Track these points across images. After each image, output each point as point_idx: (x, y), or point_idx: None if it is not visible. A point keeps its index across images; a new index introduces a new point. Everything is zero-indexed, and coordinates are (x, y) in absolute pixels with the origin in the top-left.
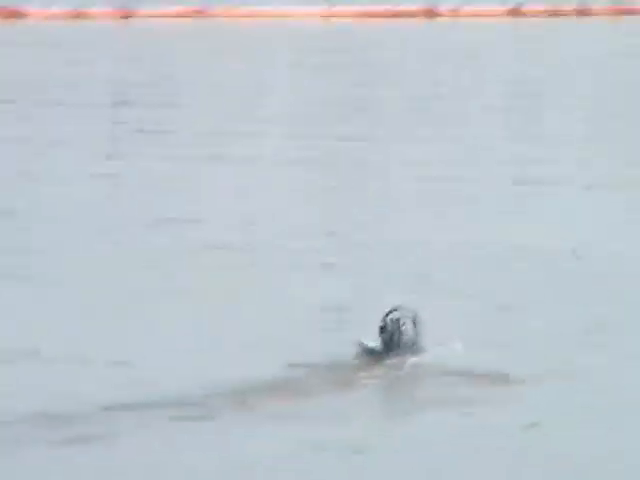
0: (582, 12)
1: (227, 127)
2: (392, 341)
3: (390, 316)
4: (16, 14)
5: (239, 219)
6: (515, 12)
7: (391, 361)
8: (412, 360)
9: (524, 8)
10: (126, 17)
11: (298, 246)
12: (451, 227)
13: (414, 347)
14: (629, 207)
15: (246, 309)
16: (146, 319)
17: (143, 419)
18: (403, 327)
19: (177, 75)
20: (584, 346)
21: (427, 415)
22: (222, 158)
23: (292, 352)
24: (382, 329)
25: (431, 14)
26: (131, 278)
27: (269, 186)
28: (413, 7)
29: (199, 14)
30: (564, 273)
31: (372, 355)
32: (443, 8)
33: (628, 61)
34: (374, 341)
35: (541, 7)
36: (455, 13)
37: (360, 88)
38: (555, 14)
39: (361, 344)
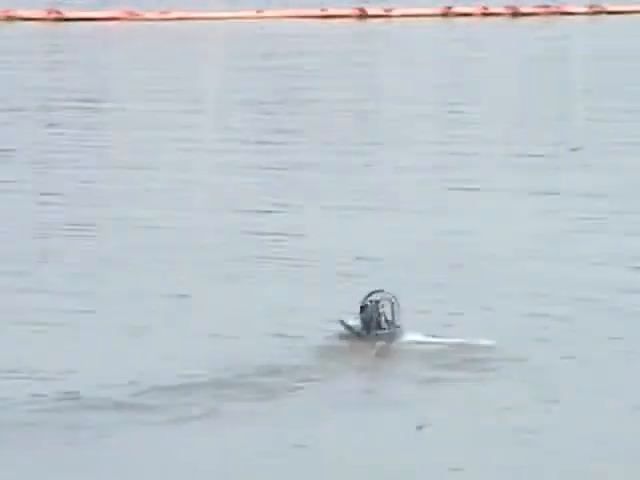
0: (515, 13)
1: (157, 134)
2: (371, 321)
3: (370, 298)
4: None
5: (167, 223)
6: (448, 13)
7: (368, 342)
8: (388, 341)
9: (456, 9)
10: (58, 20)
11: (243, 252)
12: (386, 229)
13: (391, 328)
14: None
15: (200, 313)
16: (108, 321)
17: (113, 422)
18: (382, 309)
19: (109, 79)
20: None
21: (396, 413)
22: (150, 166)
23: (257, 354)
24: (362, 309)
25: (363, 16)
26: (72, 281)
27: (200, 192)
28: (345, 9)
29: (131, 17)
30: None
31: (351, 332)
32: (375, 10)
33: (557, 63)
34: (354, 320)
35: (474, 8)
36: (387, 14)
37: (291, 92)
38: (488, 14)
39: (342, 322)
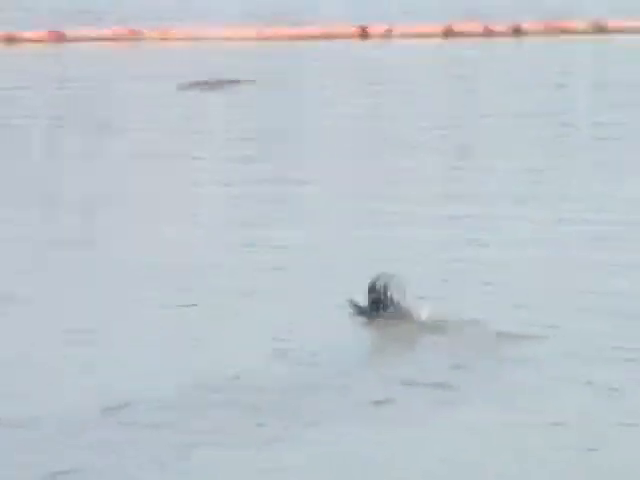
0: (517, 31)
1: (138, 163)
2: (379, 303)
3: (377, 280)
4: None
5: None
6: (449, 32)
7: (376, 321)
8: (396, 321)
9: (458, 27)
10: (59, 40)
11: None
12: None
13: (399, 311)
14: None
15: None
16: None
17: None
18: (389, 291)
19: (110, 99)
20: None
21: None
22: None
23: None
24: (371, 291)
25: (364, 35)
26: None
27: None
28: (347, 27)
29: (134, 36)
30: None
31: (360, 314)
32: (376, 29)
33: (557, 91)
34: (363, 302)
35: (475, 26)
36: (388, 34)
37: (289, 122)
38: (490, 33)
39: (351, 302)
